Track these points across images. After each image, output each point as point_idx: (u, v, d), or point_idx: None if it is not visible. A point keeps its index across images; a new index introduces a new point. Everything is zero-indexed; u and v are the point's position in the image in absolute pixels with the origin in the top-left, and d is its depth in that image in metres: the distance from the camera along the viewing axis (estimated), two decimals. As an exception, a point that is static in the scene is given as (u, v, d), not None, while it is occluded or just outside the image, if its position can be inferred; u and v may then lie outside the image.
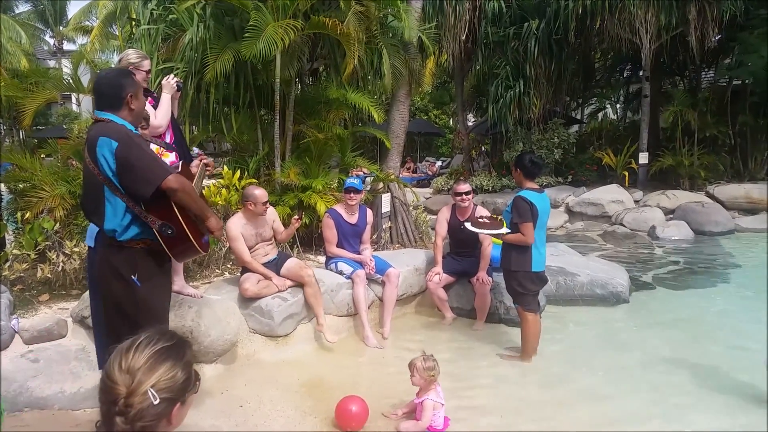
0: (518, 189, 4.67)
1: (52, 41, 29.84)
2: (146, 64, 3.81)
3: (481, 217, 4.90)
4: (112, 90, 2.80)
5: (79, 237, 5.05)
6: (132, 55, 3.79)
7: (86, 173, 2.82)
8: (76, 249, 4.80)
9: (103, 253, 2.90)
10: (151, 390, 1.29)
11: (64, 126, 20.66)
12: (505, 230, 4.52)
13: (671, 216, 11.70)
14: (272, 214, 5.03)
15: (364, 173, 8.11)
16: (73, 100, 25.64)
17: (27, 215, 5.05)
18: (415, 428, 3.44)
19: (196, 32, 6.41)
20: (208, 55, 6.23)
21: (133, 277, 2.80)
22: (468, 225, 4.78)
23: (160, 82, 4.27)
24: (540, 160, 4.68)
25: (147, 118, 3.07)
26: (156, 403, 1.29)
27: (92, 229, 3.28)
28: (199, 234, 2.90)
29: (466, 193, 5.51)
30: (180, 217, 2.75)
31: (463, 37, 13.94)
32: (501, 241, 4.80)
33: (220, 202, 5.82)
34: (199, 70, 6.51)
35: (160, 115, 3.88)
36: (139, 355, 1.33)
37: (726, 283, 7.21)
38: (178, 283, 4.25)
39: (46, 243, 4.94)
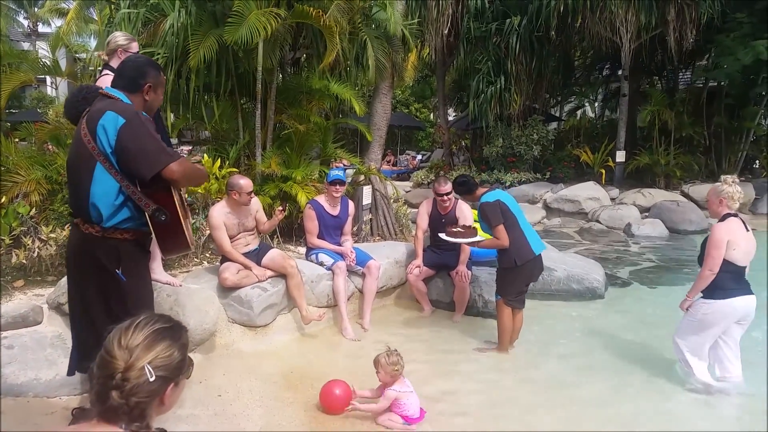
0: (500, 183, 4.72)
1: (26, 23, 29.17)
2: (134, 47, 3.76)
3: (455, 226, 4.89)
4: (135, 72, 2.73)
5: (56, 223, 4.97)
6: (120, 37, 3.75)
7: (77, 149, 2.68)
8: (52, 235, 4.72)
9: (83, 243, 2.72)
10: (148, 366, 1.32)
11: (39, 110, 20.23)
12: (479, 238, 4.65)
13: (647, 214, 11.90)
14: (256, 204, 4.99)
15: (345, 165, 8.10)
16: (48, 83, 25.12)
17: (2, 200, 4.95)
18: (370, 408, 3.51)
19: (177, 17, 6.31)
20: (189, 41, 6.15)
21: (117, 271, 2.69)
22: (443, 236, 4.84)
23: None
24: (464, 177, 5.01)
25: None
26: (152, 380, 1.32)
27: None
28: (188, 228, 2.82)
29: (447, 194, 5.44)
30: (177, 205, 2.64)
31: (446, 32, 13.97)
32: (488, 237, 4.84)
33: (199, 191, 5.76)
34: (179, 56, 6.42)
35: None
36: (138, 332, 1.37)
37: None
38: (156, 270, 4.20)
39: (21, 228, 4.85)
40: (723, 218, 3.87)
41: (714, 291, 3.84)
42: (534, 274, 4.69)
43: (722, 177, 4.00)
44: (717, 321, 3.86)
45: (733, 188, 3.86)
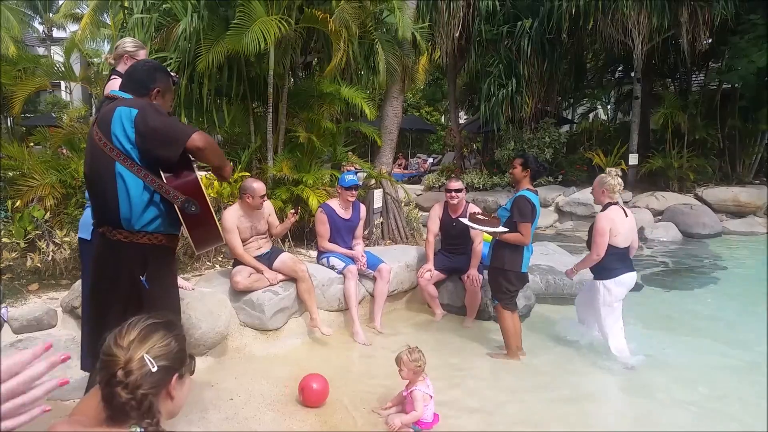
0: (511, 188, 4.70)
1: (41, 28, 29.47)
2: (142, 54, 3.75)
3: (479, 213, 4.88)
4: (144, 76, 2.70)
5: (70, 226, 5.02)
6: (128, 43, 3.74)
7: (93, 156, 2.58)
8: (66, 239, 4.77)
9: (106, 248, 2.61)
10: (147, 356, 1.34)
11: (53, 114, 20.44)
12: (502, 229, 4.49)
13: (660, 217, 11.80)
14: (268, 207, 5.02)
15: (356, 169, 8.11)
16: (62, 88, 25.36)
17: (17, 204, 5.01)
18: (406, 419, 3.44)
19: (189, 22, 6.36)
20: (201, 45, 6.20)
21: (141, 278, 2.57)
22: (464, 220, 4.77)
23: None
24: (544, 163, 4.81)
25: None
26: (154, 369, 1.34)
27: (86, 219, 3.19)
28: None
29: (457, 191, 5.52)
30: (205, 195, 2.57)
31: (457, 35, 13.93)
32: (490, 239, 4.83)
33: (211, 195, 5.79)
34: (192, 61, 6.47)
35: None
36: (132, 329, 1.40)
37: (714, 284, 7.29)
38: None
39: (36, 232, 4.91)
40: (605, 207, 4.55)
41: (603, 272, 4.48)
42: (521, 282, 4.73)
43: (607, 169, 4.71)
44: (617, 297, 4.47)
45: (615, 180, 4.55)
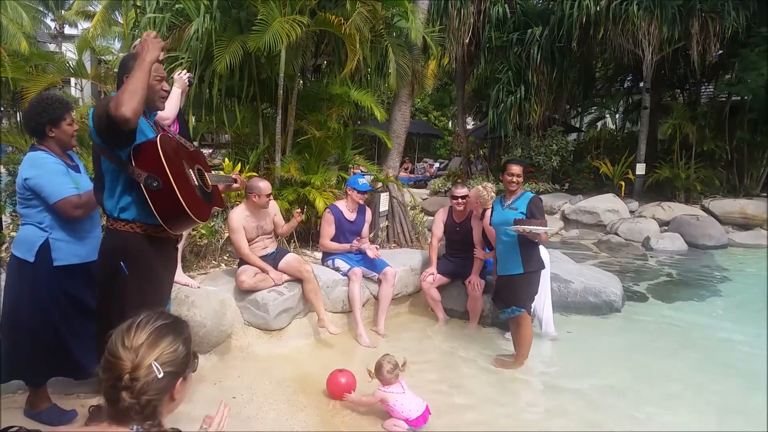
0: (511, 194, 4.66)
1: (53, 25, 29.65)
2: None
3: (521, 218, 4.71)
4: (121, 69, 2.80)
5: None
6: None
7: (92, 153, 2.78)
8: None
9: (102, 238, 2.85)
10: (155, 363, 1.34)
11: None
12: (548, 228, 4.44)
13: (666, 228, 11.77)
14: (274, 207, 5.05)
15: (362, 172, 8.13)
16: (72, 84, 25.51)
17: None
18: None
19: (202, 23, 6.40)
20: (213, 46, 6.23)
21: (121, 263, 2.66)
22: (515, 226, 4.40)
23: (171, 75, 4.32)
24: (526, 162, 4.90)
25: (164, 97, 2.97)
26: (160, 376, 1.33)
27: (28, 238, 3.10)
28: (200, 202, 2.77)
29: (463, 197, 5.57)
30: (168, 170, 2.53)
31: (467, 41, 13.98)
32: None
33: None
34: (203, 61, 6.51)
35: (168, 108, 3.88)
36: (141, 332, 1.38)
37: (719, 296, 7.27)
38: (175, 272, 4.25)
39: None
40: (483, 213, 5.35)
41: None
42: None
43: (482, 183, 5.49)
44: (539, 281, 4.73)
45: (487, 193, 5.28)
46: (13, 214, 5.33)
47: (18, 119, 19.28)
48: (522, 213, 4.47)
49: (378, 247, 5.49)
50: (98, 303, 2.87)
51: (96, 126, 2.54)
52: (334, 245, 5.40)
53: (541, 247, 4.69)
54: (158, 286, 2.89)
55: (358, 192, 5.41)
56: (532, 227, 4.30)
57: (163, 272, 2.91)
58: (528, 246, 4.49)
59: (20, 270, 3.10)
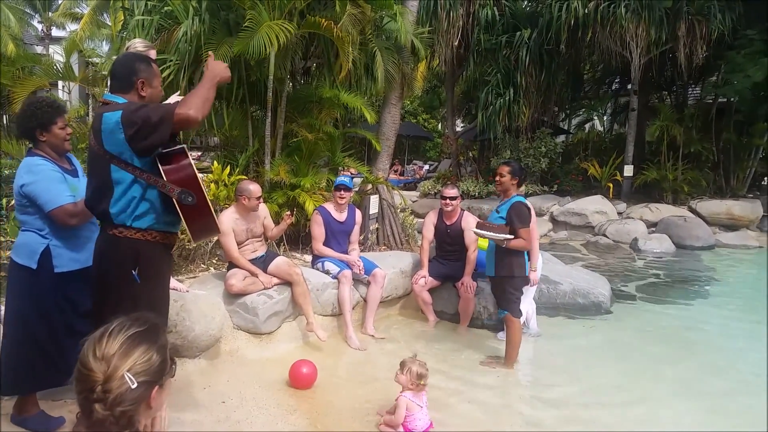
0: (503, 195, 4.69)
1: (40, 27, 29.42)
2: (152, 54, 3.80)
3: (485, 222, 4.71)
4: (124, 70, 2.71)
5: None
6: (139, 44, 3.79)
7: (91, 160, 2.66)
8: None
9: (106, 245, 2.69)
10: (128, 374, 1.29)
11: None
12: (509, 236, 4.40)
13: (653, 229, 11.86)
14: (264, 210, 5.03)
15: (352, 174, 8.13)
16: (60, 87, 25.33)
17: (11, 202, 5.00)
18: (386, 419, 3.51)
19: (190, 25, 6.38)
20: (202, 49, 6.21)
21: (133, 272, 2.62)
22: (474, 229, 4.61)
23: None
24: (521, 165, 4.84)
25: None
26: (134, 387, 1.29)
27: (29, 243, 3.05)
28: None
29: (452, 198, 5.57)
30: (202, 185, 2.59)
31: (456, 43, 14.03)
32: (486, 248, 4.84)
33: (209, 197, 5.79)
34: (192, 64, 6.48)
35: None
36: (113, 341, 1.33)
37: (705, 297, 7.33)
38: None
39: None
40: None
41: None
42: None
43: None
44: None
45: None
46: (1, 219, 5.30)
47: (5, 123, 19.11)
48: (502, 218, 4.53)
49: (359, 260, 5.39)
50: (101, 312, 2.66)
51: (135, 132, 2.47)
52: (329, 251, 5.39)
53: (540, 252, 4.70)
54: (167, 291, 2.92)
55: (334, 189, 5.43)
56: (489, 233, 4.42)
57: (169, 277, 2.96)
58: (500, 251, 4.54)
59: (22, 276, 3.07)
